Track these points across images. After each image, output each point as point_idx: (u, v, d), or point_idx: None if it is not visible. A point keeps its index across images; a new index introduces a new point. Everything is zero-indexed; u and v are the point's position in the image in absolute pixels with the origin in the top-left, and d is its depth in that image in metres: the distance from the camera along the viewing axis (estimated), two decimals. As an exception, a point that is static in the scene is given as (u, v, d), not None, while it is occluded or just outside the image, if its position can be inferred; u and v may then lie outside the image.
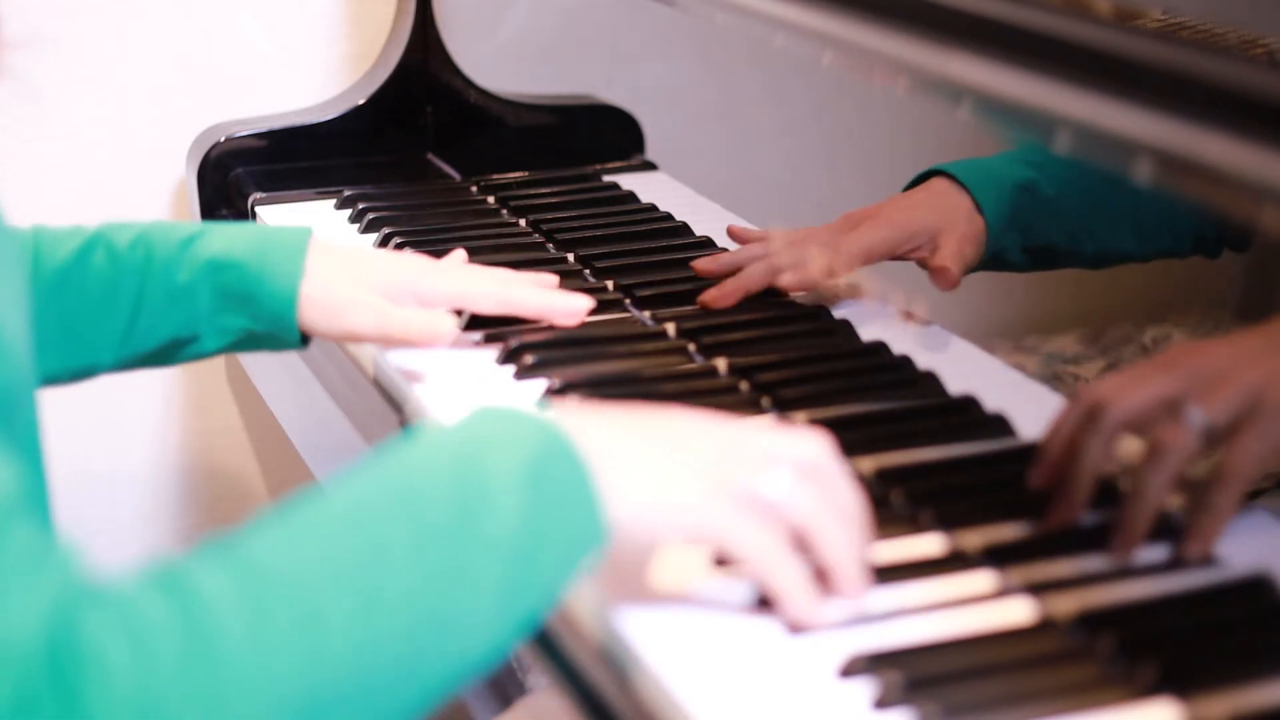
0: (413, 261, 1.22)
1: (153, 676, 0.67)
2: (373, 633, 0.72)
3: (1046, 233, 1.18)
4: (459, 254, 1.26)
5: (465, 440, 0.79)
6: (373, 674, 0.72)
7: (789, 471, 0.83)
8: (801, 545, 0.84)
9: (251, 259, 1.15)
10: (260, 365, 1.65)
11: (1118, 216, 1.12)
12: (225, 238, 1.17)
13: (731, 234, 1.35)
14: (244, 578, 0.71)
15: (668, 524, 0.81)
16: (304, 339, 1.18)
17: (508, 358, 1.18)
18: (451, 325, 1.16)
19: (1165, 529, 0.92)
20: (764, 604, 0.86)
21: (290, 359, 1.41)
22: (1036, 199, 1.17)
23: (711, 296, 1.27)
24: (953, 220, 1.19)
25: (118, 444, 1.88)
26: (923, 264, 1.20)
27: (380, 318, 1.16)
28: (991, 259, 1.19)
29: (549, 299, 1.20)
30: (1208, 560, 0.90)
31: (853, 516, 0.85)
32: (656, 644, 0.83)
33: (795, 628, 0.84)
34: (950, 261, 1.18)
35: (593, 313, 1.27)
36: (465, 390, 1.13)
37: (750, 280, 1.27)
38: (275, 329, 1.16)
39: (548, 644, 0.91)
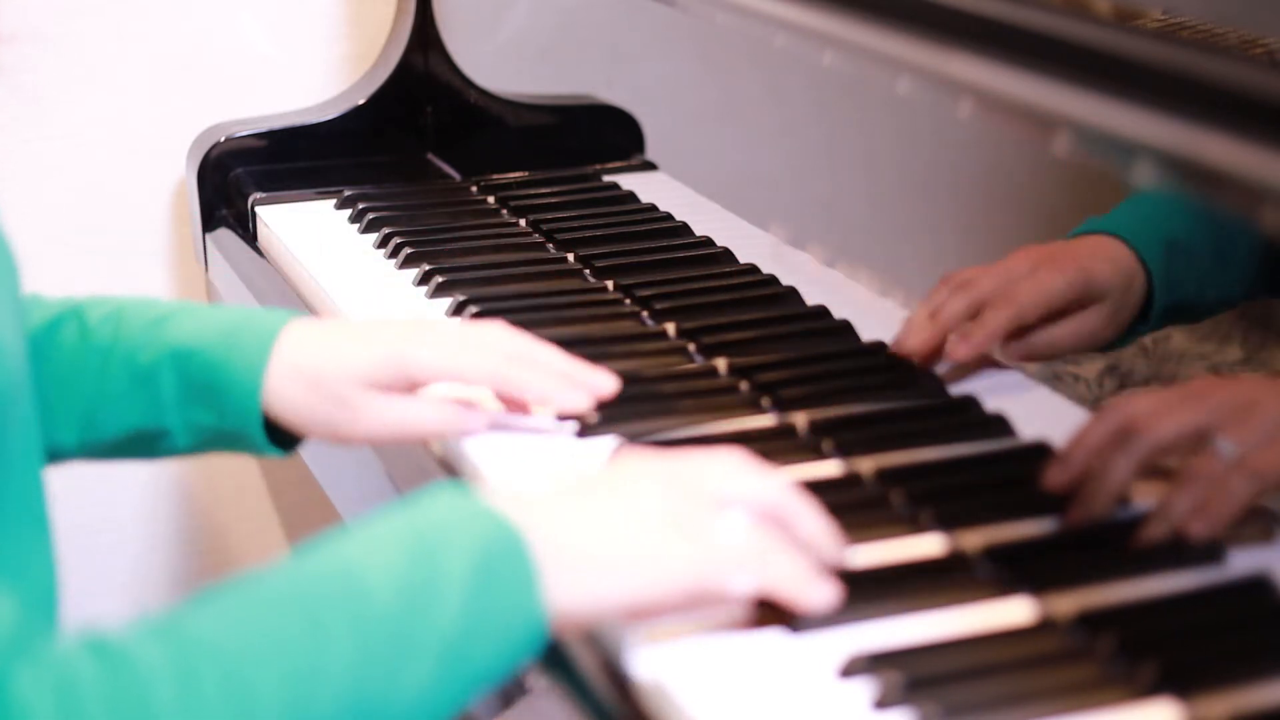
0: (394, 335, 1.04)
1: None
2: (303, 710, 0.73)
3: (1183, 288, 1.08)
4: (493, 331, 1.06)
5: (416, 530, 0.78)
6: None
7: (742, 516, 0.83)
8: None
9: (216, 345, 1.02)
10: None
11: (1227, 258, 1.06)
12: (197, 320, 1.05)
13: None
14: (178, 649, 0.72)
15: (622, 605, 0.81)
16: (288, 442, 1.06)
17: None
18: (482, 422, 1.03)
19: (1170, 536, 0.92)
20: (764, 605, 0.86)
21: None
22: (1177, 251, 1.08)
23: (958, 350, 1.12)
24: (1119, 289, 1.07)
25: (118, 444, 1.88)
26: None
27: (393, 427, 1.02)
28: (1133, 332, 1.09)
29: (551, 387, 1.04)
30: (1212, 544, 0.90)
31: (817, 544, 0.85)
32: (656, 644, 0.83)
33: (803, 621, 0.84)
34: (1045, 346, 1.09)
35: (593, 313, 1.28)
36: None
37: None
38: (244, 428, 1.03)
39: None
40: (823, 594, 0.83)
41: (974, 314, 1.11)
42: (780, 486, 0.86)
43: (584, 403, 1.04)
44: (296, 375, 1.02)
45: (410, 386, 1.03)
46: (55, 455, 1.06)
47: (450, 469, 1.08)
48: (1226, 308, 1.07)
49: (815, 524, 0.86)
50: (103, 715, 0.69)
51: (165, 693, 0.70)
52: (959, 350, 1.11)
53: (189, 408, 1.03)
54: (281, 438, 1.05)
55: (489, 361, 1.02)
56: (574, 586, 0.80)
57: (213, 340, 1.03)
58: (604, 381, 1.05)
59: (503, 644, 0.78)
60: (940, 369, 1.13)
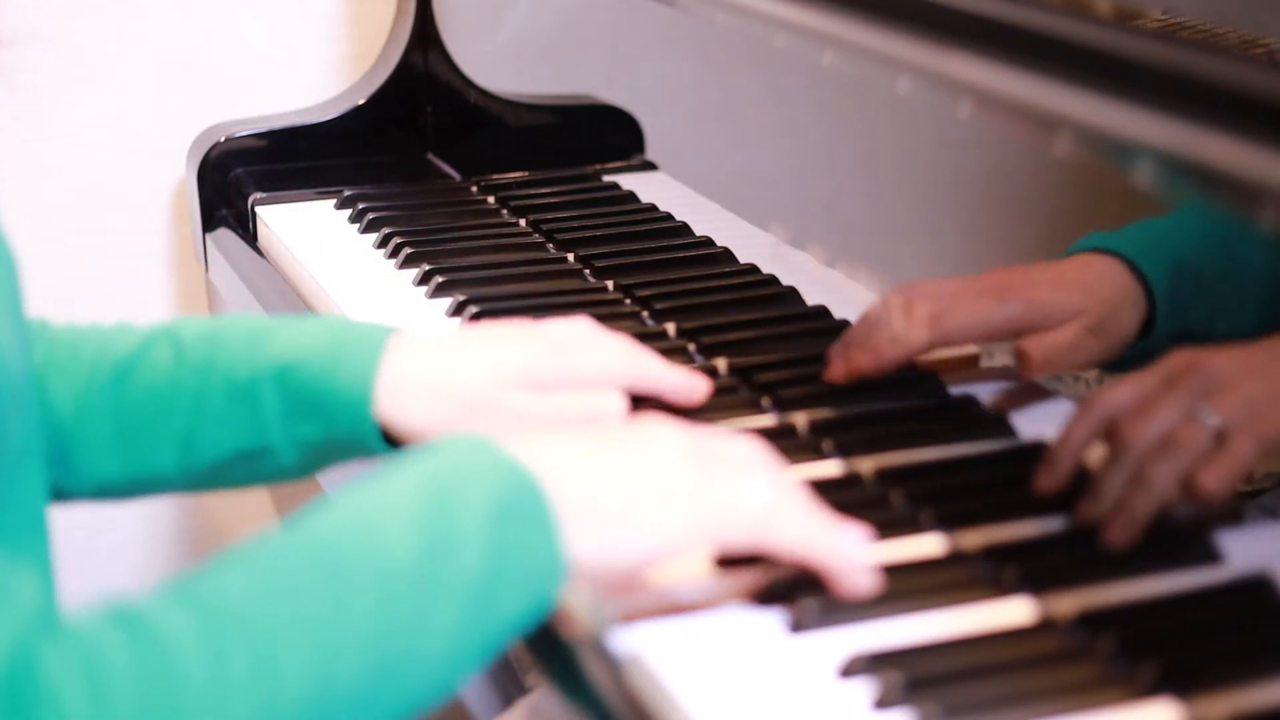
0: (522, 345, 1.02)
1: (107, 717, 0.68)
2: (329, 677, 0.73)
3: (1194, 313, 1.04)
4: (581, 325, 1.06)
5: (433, 479, 0.78)
6: (325, 714, 0.73)
7: (765, 482, 0.85)
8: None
9: (322, 356, 0.99)
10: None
11: (1240, 288, 1.01)
12: (296, 331, 1.02)
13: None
14: (204, 619, 0.72)
15: (635, 557, 0.82)
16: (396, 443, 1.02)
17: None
18: (618, 405, 1.02)
19: (1166, 532, 0.92)
20: (765, 601, 0.87)
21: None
22: (1187, 273, 1.04)
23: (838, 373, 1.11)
24: (1094, 307, 1.03)
25: (118, 444, 1.88)
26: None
27: (527, 424, 0.99)
28: (1139, 358, 1.02)
29: (673, 376, 1.06)
30: (1226, 505, 0.90)
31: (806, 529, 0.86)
32: (656, 644, 0.83)
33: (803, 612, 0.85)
34: (1040, 350, 1.04)
35: (593, 313, 1.27)
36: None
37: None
38: (356, 436, 0.99)
39: (545, 643, 0.90)
40: (855, 546, 0.85)
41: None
42: (792, 484, 0.86)
43: (704, 388, 1.06)
44: (417, 385, 0.99)
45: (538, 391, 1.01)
46: (156, 485, 1.04)
47: None
48: (1239, 337, 1.00)
49: (815, 517, 0.86)
50: (133, 697, 0.69)
51: (195, 671, 0.70)
52: (862, 361, 1.10)
53: (293, 423, 1.00)
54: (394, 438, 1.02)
55: (615, 360, 1.03)
56: (592, 535, 0.80)
57: (316, 352, 1.00)
58: (700, 385, 1.06)
59: (526, 590, 0.78)
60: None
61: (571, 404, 1.01)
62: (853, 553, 0.85)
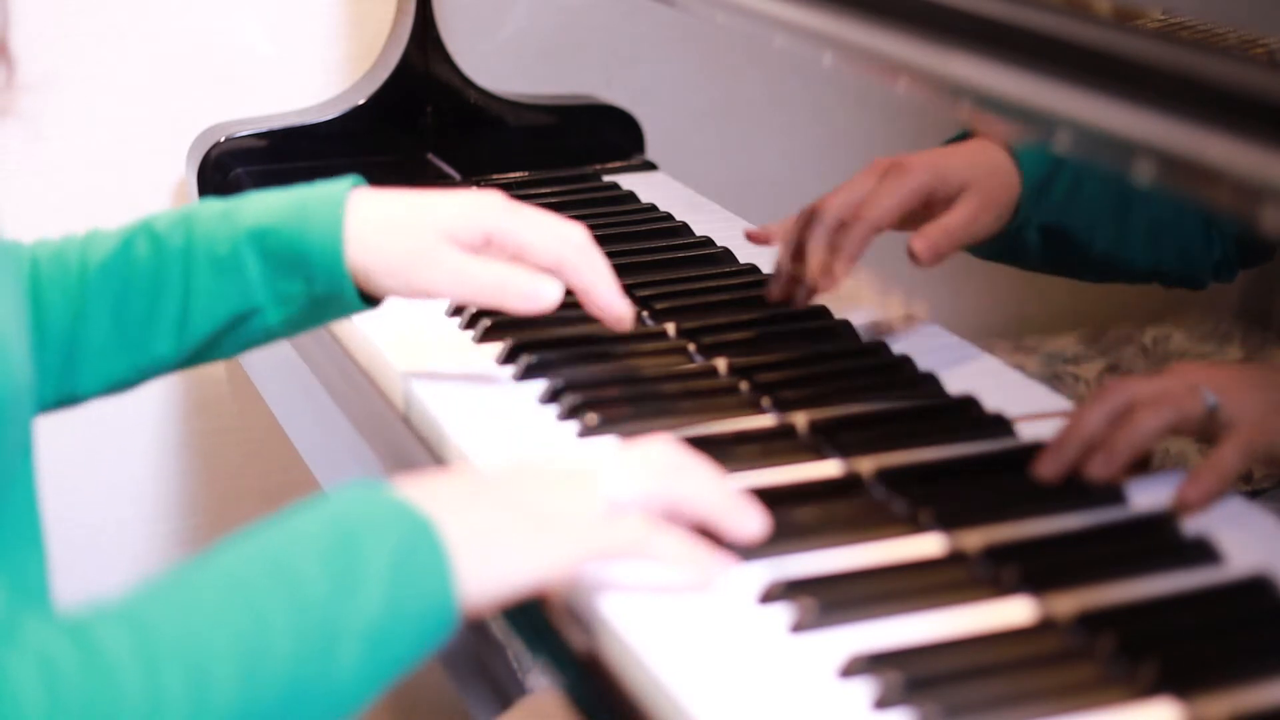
0: (481, 197, 1.10)
1: (62, 717, 0.73)
2: (252, 694, 0.77)
3: (1067, 214, 1.17)
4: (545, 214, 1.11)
5: (340, 525, 0.82)
6: None
7: (631, 468, 0.89)
8: (676, 518, 0.89)
9: (290, 216, 1.07)
10: (260, 365, 1.65)
11: (1133, 218, 1.12)
12: (264, 202, 1.09)
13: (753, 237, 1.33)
14: (140, 638, 0.76)
15: (530, 578, 0.86)
16: (373, 300, 1.09)
17: (508, 357, 1.18)
18: (557, 292, 1.06)
19: (1165, 529, 0.92)
20: (765, 600, 0.87)
21: (289, 356, 1.41)
22: (1064, 173, 1.16)
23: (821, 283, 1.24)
24: (982, 175, 1.17)
25: (118, 444, 1.88)
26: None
27: (459, 277, 1.06)
28: (1011, 238, 1.17)
29: (602, 286, 1.10)
30: (1197, 510, 0.93)
31: (709, 475, 0.91)
32: (656, 644, 0.84)
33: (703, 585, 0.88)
34: (940, 233, 1.16)
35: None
36: (483, 413, 1.13)
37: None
38: (334, 289, 1.07)
39: (545, 643, 0.91)
40: (704, 560, 0.88)
41: (834, 239, 1.20)
42: (663, 480, 0.90)
43: (627, 314, 1.10)
44: (377, 227, 1.06)
45: (482, 250, 1.07)
46: (157, 368, 1.09)
47: (434, 451, 1.11)
48: (1177, 283, 1.14)
49: (701, 467, 0.92)
50: (79, 701, 0.73)
51: (132, 684, 0.74)
52: (824, 284, 1.21)
53: (277, 281, 1.06)
54: (368, 298, 1.09)
55: (559, 246, 1.07)
56: (480, 570, 0.84)
57: (286, 214, 1.06)
58: (627, 312, 1.10)
59: (421, 629, 0.82)
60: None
61: (512, 277, 1.06)
62: (736, 503, 0.90)
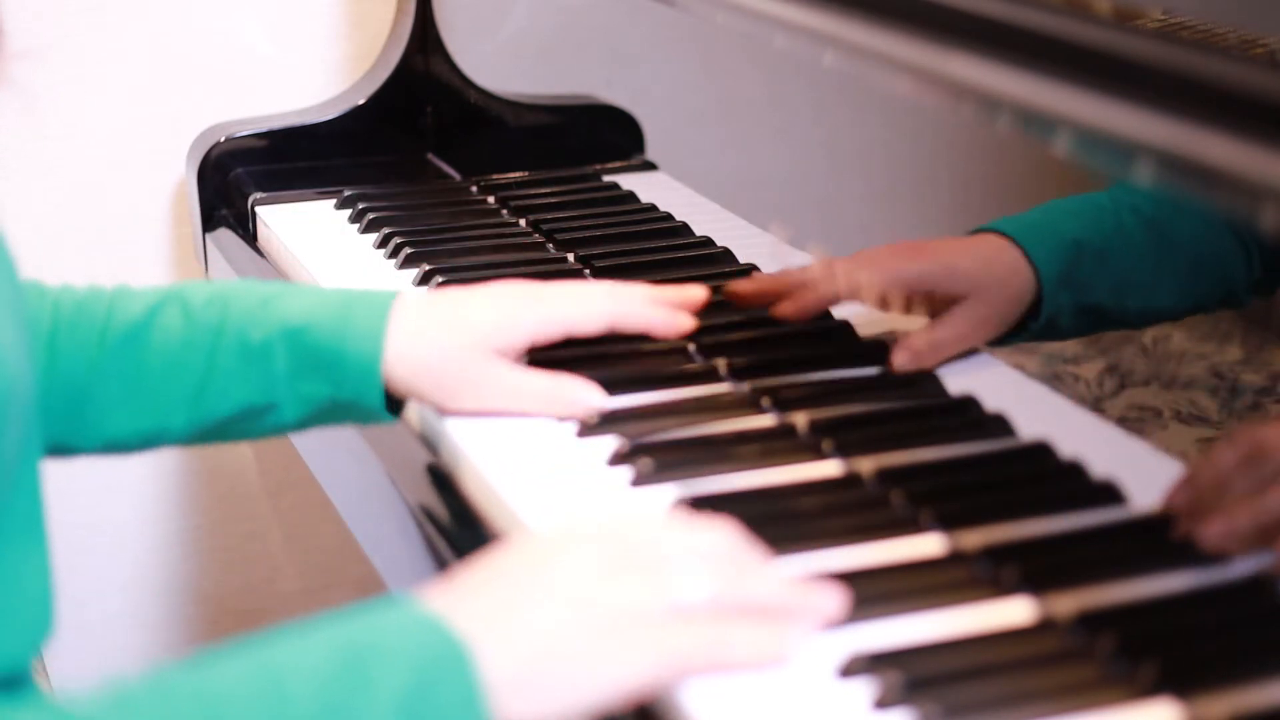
0: (505, 300, 1.09)
1: None
2: None
3: (1096, 291, 1.11)
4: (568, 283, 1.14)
5: (351, 638, 0.73)
6: None
7: (698, 565, 0.79)
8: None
9: (332, 318, 1.04)
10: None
11: (1160, 269, 1.07)
12: (305, 297, 1.07)
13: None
14: None
15: (588, 709, 0.75)
16: (396, 407, 1.07)
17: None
18: (600, 398, 1.07)
19: (1165, 531, 0.92)
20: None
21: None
22: (1087, 254, 1.11)
23: (786, 309, 1.21)
24: (990, 283, 1.11)
25: (118, 444, 1.88)
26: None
27: (505, 397, 1.06)
28: (1046, 326, 1.11)
29: (657, 317, 1.11)
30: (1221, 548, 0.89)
31: (770, 569, 0.83)
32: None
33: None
34: (927, 346, 1.12)
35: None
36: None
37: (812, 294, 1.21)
38: (360, 397, 1.04)
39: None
40: (789, 645, 0.81)
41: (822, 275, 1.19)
42: (724, 540, 0.82)
43: (687, 323, 1.11)
44: (417, 348, 1.04)
45: (529, 347, 1.08)
46: (162, 440, 1.07)
47: (433, 452, 1.10)
48: (1194, 312, 1.08)
49: (760, 575, 0.83)
50: None
51: None
52: (784, 308, 1.20)
53: (301, 381, 1.05)
54: (391, 403, 1.07)
55: (599, 306, 1.09)
56: (530, 698, 0.74)
57: (327, 314, 1.05)
58: (694, 293, 1.13)
59: None
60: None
61: (557, 389, 1.06)
62: (806, 590, 0.83)
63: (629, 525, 0.83)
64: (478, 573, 0.79)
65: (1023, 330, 1.13)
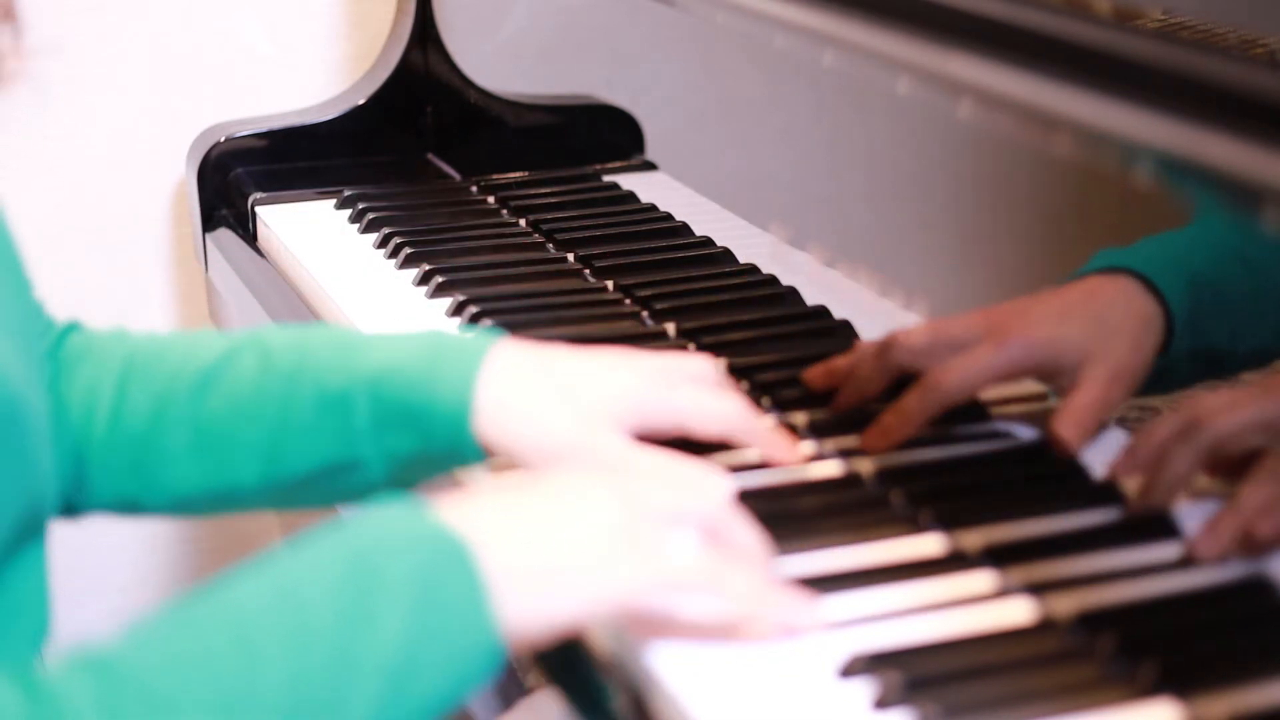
0: (630, 375, 0.97)
1: None
2: None
3: (1215, 332, 0.95)
4: (695, 364, 1.01)
5: (355, 550, 0.76)
6: None
7: (692, 537, 0.81)
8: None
9: (419, 364, 0.95)
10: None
11: (1263, 304, 0.92)
12: (391, 343, 0.98)
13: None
14: (107, 687, 0.71)
15: (577, 618, 0.79)
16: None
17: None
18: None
19: (1165, 528, 0.92)
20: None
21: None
22: (1206, 289, 0.95)
23: (873, 440, 1.04)
24: (1108, 343, 0.95)
25: (118, 444, 1.88)
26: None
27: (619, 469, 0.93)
28: (1156, 377, 0.95)
29: (773, 440, 1.00)
30: (1215, 558, 0.89)
31: (754, 558, 0.84)
32: (655, 643, 0.83)
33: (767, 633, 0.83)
34: (1075, 421, 0.96)
35: (593, 313, 1.28)
36: None
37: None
38: (453, 449, 0.95)
39: (551, 651, 0.90)
40: (782, 606, 0.82)
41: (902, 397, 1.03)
42: (720, 500, 0.84)
43: (801, 455, 1.01)
44: (514, 407, 0.95)
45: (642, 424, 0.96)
46: (237, 499, 0.99)
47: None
48: (1261, 355, 0.92)
49: (749, 537, 0.85)
50: None
51: None
52: (870, 439, 1.03)
53: (386, 435, 0.95)
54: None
55: (721, 406, 0.97)
56: (523, 602, 0.77)
57: (413, 362, 0.96)
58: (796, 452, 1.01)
59: (453, 664, 0.75)
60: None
61: (668, 469, 0.91)
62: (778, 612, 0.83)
63: (640, 476, 0.86)
64: (481, 493, 0.82)
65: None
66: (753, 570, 0.83)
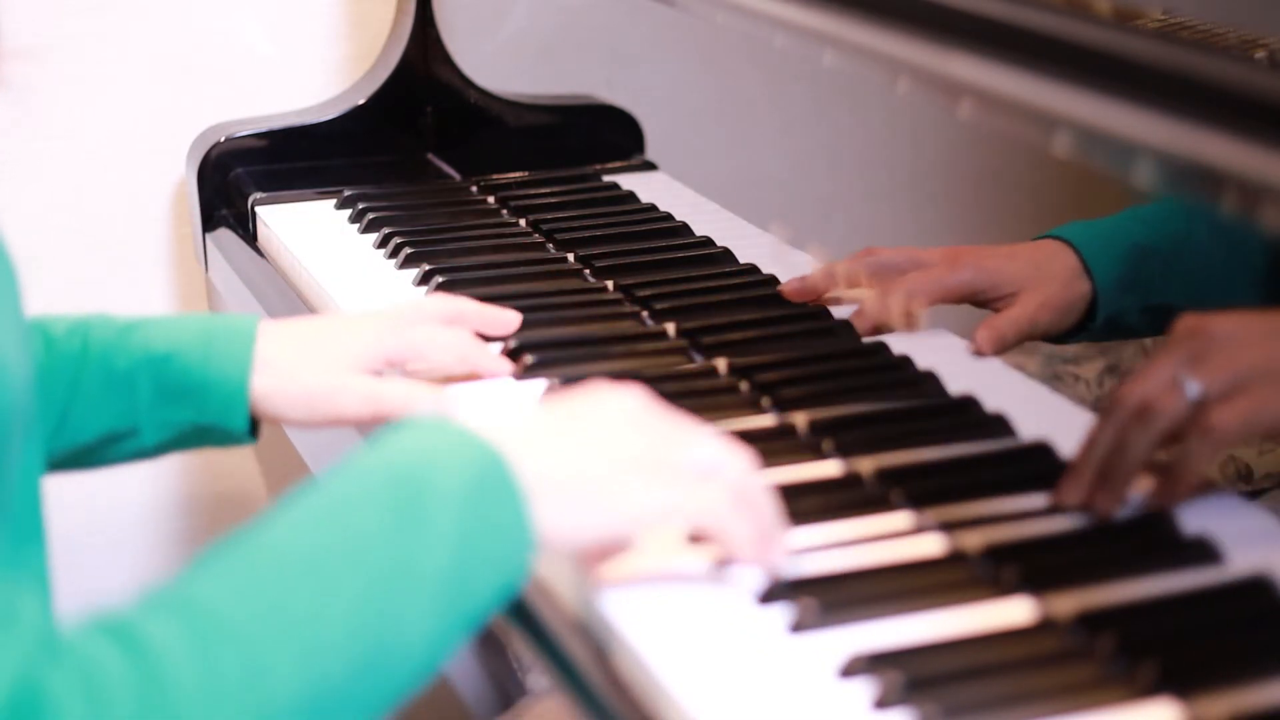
0: (371, 324, 1.14)
1: None
2: (317, 672, 0.74)
3: (1166, 293, 1.16)
4: (432, 303, 1.19)
5: (402, 466, 0.80)
6: (317, 711, 0.75)
7: (717, 444, 0.87)
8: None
9: (195, 347, 1.09)
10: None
11: (1233, 267, 1.10)
12: (167, 327, 1.11)
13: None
14: (192, 627, 0.73)
15: (603, 530, 0.84)
16: (254, 430, 1.12)
17: (510, 357, 1.18)
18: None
19: (1165, 532, 0.92)
20: (766, 600, 0.87)
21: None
22: (1154, 258, 1.16)
23: (792, 288, 1.27)
24: (1043, 280, 1.16)
25: (118, 444, 1.88)
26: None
27: (371, 403, 1.09)
28: (1108, 324, 1.16)
29: (495, 362, 1.16)
30: (1164, 511, 0.92)
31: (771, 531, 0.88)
32: (656, 643, 0.83)
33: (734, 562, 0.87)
34: (1003, 325, 1.16)
35: (593, 313, 1.28)
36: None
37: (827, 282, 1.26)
38: (223, 421, 1.09)
39: (544, 642, 0.91)
40: (780, 558, 0.87)
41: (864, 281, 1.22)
42: (750, 470, 0.87)
43: (505, 367, 1.15)
44: (282, 371, 1.09)
45: (385, 370, 1.12)
46: None
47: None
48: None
49: (774, 513, 0.88)
50: (130, 706, 0.71)
51: (189, 680, 0.72)
52: (789, 289, 1.26)
53: (164, 408, 1.08)
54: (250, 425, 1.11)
55: (454, 338, 1.13)
56: (556, 513, 0.82)
57: (189, 343, 1.09)
58: (509, 317, 1.19)
59: (498, 570, 0.80)
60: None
61: (417, 392, 1.08)
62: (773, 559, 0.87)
63: (678, 424, 0.88)
64: (525, 413, 0.88)
65: (1082, 330, 1.17)
66: (761, 520, 0.86)
